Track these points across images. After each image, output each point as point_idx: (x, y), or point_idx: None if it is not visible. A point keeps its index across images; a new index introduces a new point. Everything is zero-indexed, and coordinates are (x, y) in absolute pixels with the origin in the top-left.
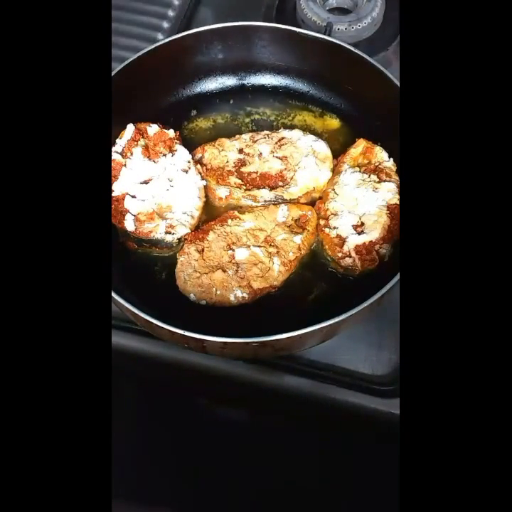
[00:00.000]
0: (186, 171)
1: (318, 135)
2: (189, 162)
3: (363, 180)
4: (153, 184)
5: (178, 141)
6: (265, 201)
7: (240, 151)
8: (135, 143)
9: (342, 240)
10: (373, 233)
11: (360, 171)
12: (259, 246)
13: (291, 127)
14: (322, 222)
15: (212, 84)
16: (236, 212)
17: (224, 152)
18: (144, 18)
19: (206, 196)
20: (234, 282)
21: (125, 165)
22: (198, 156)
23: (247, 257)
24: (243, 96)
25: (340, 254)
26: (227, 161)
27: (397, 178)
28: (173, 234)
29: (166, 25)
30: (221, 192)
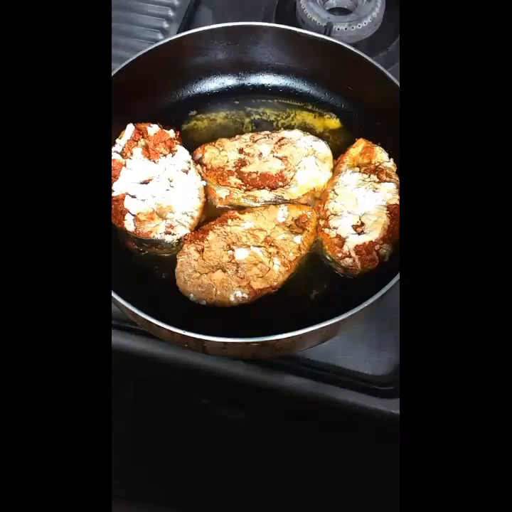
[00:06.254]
0: (186, 172)
1: (318, 135)
2: (189, 162)
3: (363, 181)
4: (153, 184)
5: (178, 142)
6: (265, 201)
7: (240, 151)
8: (135, 143)
9: (342, 240)
10: (373, 233)
11: (360, 171)
12: (259, 246)
13: (291, 127)
14: (322, 222)
15: (212, 84)
16: (236, 213)
17: (224, 152)
18: (144, 18)
19: (206, 196)
20: (234, 282)
21: (125, 165)
22: (198, 156)
23: (247, 257)
24: (243, 96)
25: (340, 255)
26: (227, 161)
27: (397, 178)
28: (173, 234)
29: (166, 25)
30: (221, 192)
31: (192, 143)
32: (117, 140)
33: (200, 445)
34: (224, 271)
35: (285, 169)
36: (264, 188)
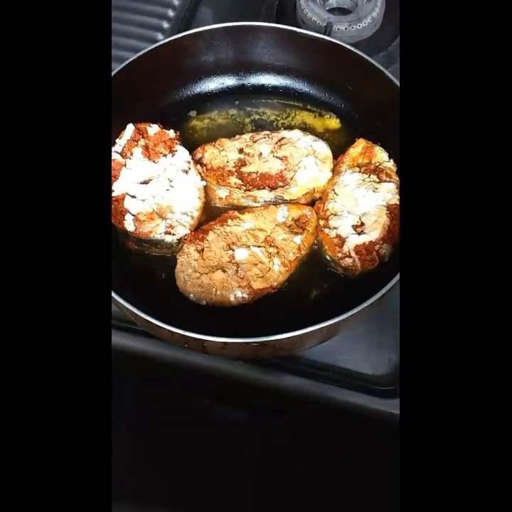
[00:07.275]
0: (186, 172)
1: (318, 135)
2: (189, 162)
3: (363, 181)
4: (153, 184)
5: (178, 142)
6: (265, 201)
7: (240, 151)
8: (135, 143)
9: (342, 240)
10: (373, 233)
11: (360, 171)
12: (259, 246)
13: (291, 127)
14: (322, 222)
15: (212, 84)
16: (236, 212)
17: (224, 152)
18: (144, 19)
19: (206, 196)
20: (234, 282)
21: (125, 165)
22: (198, 156)
23: (247, 257)
24: (243, 96)
25: (340, 255)
26: (228, 161)
27: (397, 178)
28: (173, 234)
29: (166, 25)
30: (221, 192)
31: (192, 143)
32: (117, 140)
33: (200, 445)
34: (224, 271)
35: (285, 169)
36: (264, 188)
